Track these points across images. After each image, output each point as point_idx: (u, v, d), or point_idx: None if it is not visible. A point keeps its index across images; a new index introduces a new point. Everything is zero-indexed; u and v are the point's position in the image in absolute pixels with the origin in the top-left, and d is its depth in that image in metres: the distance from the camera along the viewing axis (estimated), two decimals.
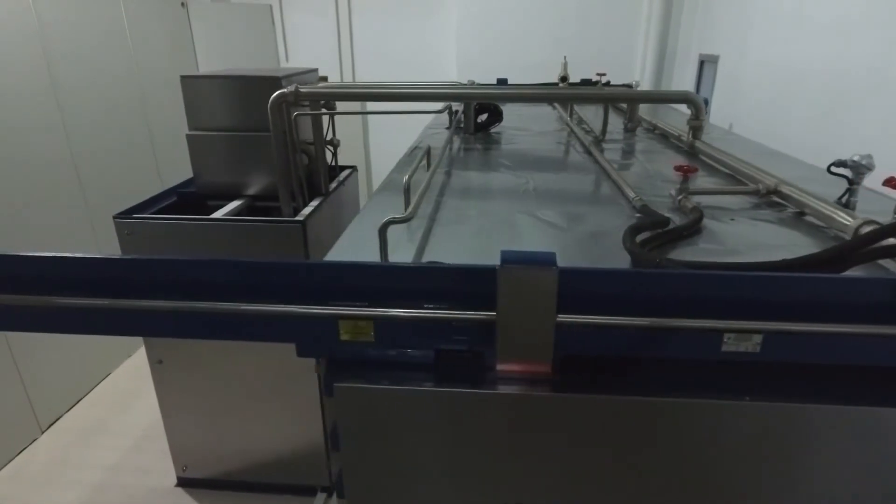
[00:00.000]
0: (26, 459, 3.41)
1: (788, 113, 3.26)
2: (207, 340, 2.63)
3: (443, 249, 1.30)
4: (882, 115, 2.64)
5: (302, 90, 2.40)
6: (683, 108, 3.35)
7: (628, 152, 2.30)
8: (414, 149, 3.85)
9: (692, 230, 1.35)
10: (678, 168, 1.54)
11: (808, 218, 1.49)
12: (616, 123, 2.83)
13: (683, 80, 5.09)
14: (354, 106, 5.25)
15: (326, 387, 1.08)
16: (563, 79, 3.72)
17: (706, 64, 4.81)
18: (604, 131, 2.46)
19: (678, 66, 5.18)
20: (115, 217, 2.56)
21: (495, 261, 0.91)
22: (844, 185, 1.51)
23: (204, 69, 5.26)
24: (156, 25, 4.72)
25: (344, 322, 0.99)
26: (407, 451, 0.99)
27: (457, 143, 2.58)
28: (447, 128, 2.95)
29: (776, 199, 1.61)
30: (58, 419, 3.70)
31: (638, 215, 1.50)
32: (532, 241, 1.34)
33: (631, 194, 1.62)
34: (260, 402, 2.93)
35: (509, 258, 0.90)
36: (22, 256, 1.06)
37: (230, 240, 2.56)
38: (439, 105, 3.29)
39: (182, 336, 1.09)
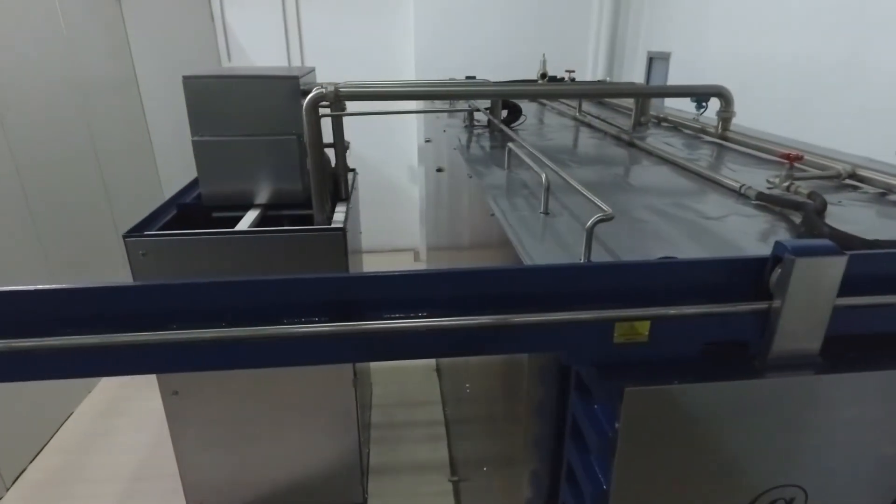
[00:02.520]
0: None
1: (756, 105, 3.56)
2: (224, 376, 2.45)
3: (609, 244, 1.29)
4: (854, 106, 2.98)
5: (342, 90, 2.27)
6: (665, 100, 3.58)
7: (665, 145, 2.42)
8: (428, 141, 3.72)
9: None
10: (784, 156, 1.66)
11: (892, 197, 1.66)
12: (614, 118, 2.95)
13: (633, 77, 5.40)
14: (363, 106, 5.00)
15: (578, 391, 1.05)
16: (544, 76, 3.82)
17: (655, 61, 5.14)
18: (635, 125, 2.57)
19: (627, 63, 5.49)
20: (125, 236, 2.30)
21: (655, 253, 0.92)
22: None
23: (140, 68, 4.81)
24: (91, 22, 4.23)
25: (620, 325, 0.97)
26: (684, 448, 0.99)
27: (489, 140, 2.57)
28: (465, 125, 2.92)
29: (851, 181, 1.77)
30: (23, 471, 3.24)
31: (756, 202, 1.59)
32: (683, 233, 1.37)
33: (731, 183, 1.72)
34: (281, 427, 2.76)
35: (796, 249, 0.93)
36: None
37: (264, 252, 2.38)
38: (445, 104, 3.26)
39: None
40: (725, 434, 0.99)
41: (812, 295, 0.95)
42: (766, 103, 3.59)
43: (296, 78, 2.55)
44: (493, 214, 1.54)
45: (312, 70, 3.01)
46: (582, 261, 1.20)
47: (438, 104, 3.47)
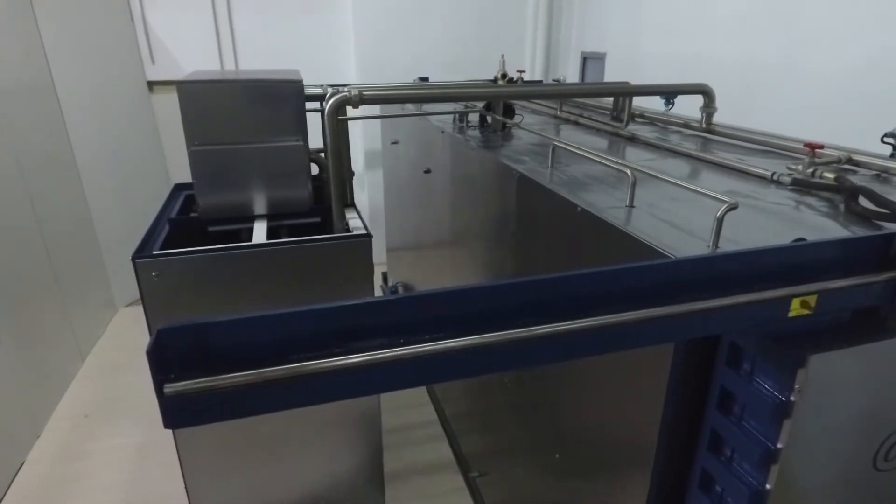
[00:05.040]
0: None
1: (698, 101, 3.93)
2: None
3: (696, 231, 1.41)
4: (791, 102, 3.40)
5: (365, 93, 2.23)
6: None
7: (662, 140, 2.62)
8: (394, 143, 3.63)
9: None
10: (807, 145, 1.89)
11: (887, 176, 1.95)
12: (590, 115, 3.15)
13: (568, 76, 5.70)
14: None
15: (730, 365, 1.17)
16: (504, 76, 3.96)
17: (589, 60, 5.47)
18: (627, 122, 2.75)
19: (561, 63, 5.79)
20: (134, 258, 2.11)
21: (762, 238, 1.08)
22: None
23: (57, 73, 4.33)
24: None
25: (797, 300, 1.09)
26: (848, 405, 1.14)
27: (501, 139, 2.64)
28: (462, 126, 2.96)
29: (849, 166, 2.05)
30: None
31: (792, 187, 1.80)
32: (765, 217, 1.54)
33: (760, 172, 1.93)
34: (301, 441, 2.66)
35: None
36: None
37: (286, 265, 2.28)
38: (452, 106, 3.26)
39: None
40: (877, 387, 1.15)
41: None
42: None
43: (299, 81, 2.45)
44: (580, 210, 1.61)
45: (296, 71, 2.90)
46: (710, 247, 1.31)
47: (430, 106, 3.46)
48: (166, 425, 0.80)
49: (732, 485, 1.25)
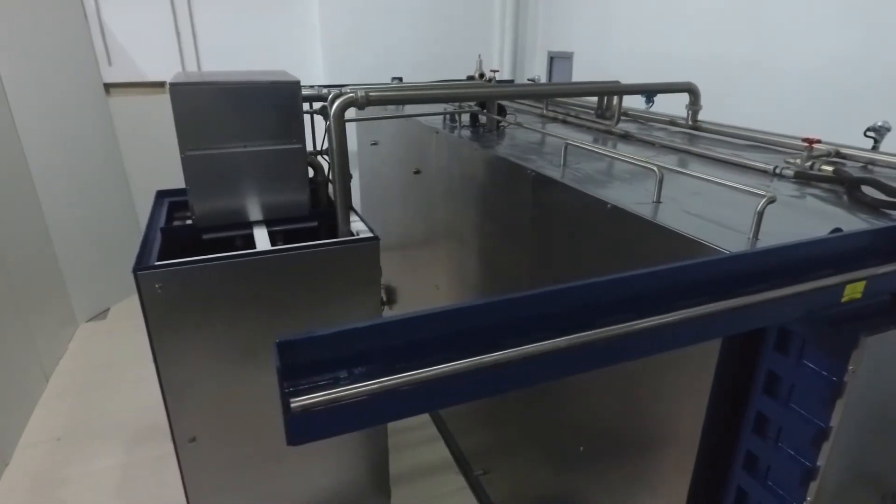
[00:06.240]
0: None
1: (668, 99, 4.09)
2: (250, 408, 2.26)
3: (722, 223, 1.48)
4: (759, 100, 3.58)
5: (372, 94, 2.20)
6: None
7: (655, 137, 2.71)
8: (374, 143, 3.57)
9: None
10: (805, 139, 2.00)
11: (875, 167, 2.09)
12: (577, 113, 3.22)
13: (535, 74, 5.80)
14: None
15: (777, 350, 1.23)
16: (482, 75, 3.99)
17: (556, 60, 5.58)
18: (617, 120, 2.83)
19: (528, 62, 5.88)
20: (136, 270, 2.00)
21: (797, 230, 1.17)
22: None
23: (5, 73, 4.06)
24: None
25: (851, 286, 1.16)
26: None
27: (496, 139, 2.66)
28: (455, 126, 2.97)
29: (836, 159, 2.18)
30: None
31: (795, 180, 1.91)
32: (788, 210, 1.62)
33: (760, 166, 2.03)
34: (306, 454, 2.59)
35: None
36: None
37: (294, 271, 2.23)
38: (441, 107, 3.24)
39: None
40: None
41: None
42: (679, 98, 4.13)
43: (297, 82, 2.40)
44: (610, 207, 1.65)
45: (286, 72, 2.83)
46: (750, 239, 1.38)
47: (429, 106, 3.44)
48: (291, 442, 0.77)
49: (782, 464, 1.32)
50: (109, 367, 4.24)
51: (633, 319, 0.98)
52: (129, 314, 5.05)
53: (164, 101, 5.12)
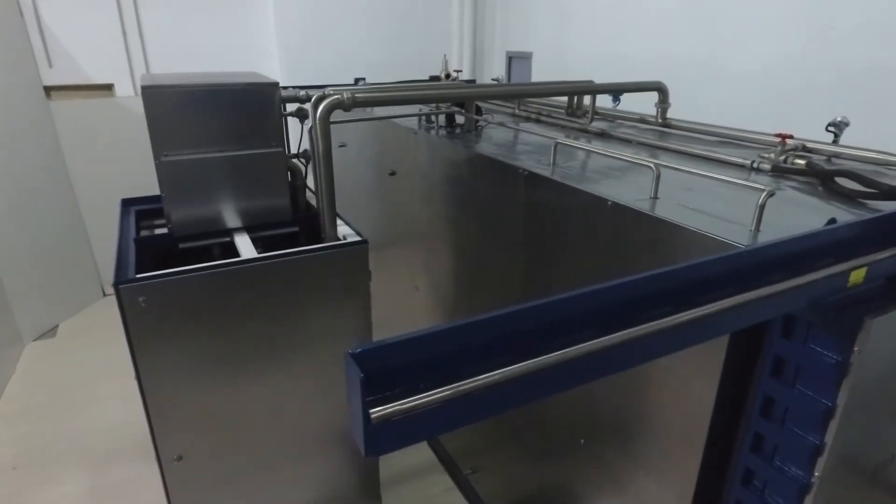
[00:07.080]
0: None
1: (636, 98, 4.22)
2: (238, 421, 2.20)
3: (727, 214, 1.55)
4: (714, 99, 3.75)
5: (358, 95, 2.17)
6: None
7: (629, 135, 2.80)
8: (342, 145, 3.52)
9: None
10: (778, 135, 2.11)
11: (839, 160, 2.23)
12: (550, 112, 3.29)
13: (494, 74, 5.85)
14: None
15: (783, 336, 1.30)
16: (448, 75, 4.01)
17: (515, 60, 5.65)
18: (592, 118, 2.90)
19: (487, 63, 5.93)
20: (118, 285, 1.90)
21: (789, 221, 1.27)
22: None
23: None
24: None
25: (854, 272, 1.23)
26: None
27: (475, 139, 2.67)
28: (432, 126, 2.96)
29: (804, 153, 2.32)
30: None
31: (772, 173, 2.01)
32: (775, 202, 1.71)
33: (737, 161, 2.13)
34: (297, 464, 2.53)
35: None
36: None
37: (281, 278, 2.17)
38: (416, 108, 3.20)
39: None
40: None
41: None
42: (639, 97, 4.28)
43: (276, 84, 2.33)
44: (611, 204, 1.69)
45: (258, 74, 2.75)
46: (752, 231, 1.44)
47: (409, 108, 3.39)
48: (369, 454, 0.75)
49: (790, 443, 1.39)
50: (63, 388, 3.99)
51: (672, 314, 1.01)
52: (80, 331, 4.77)
53: (110, 104, 4.93)
